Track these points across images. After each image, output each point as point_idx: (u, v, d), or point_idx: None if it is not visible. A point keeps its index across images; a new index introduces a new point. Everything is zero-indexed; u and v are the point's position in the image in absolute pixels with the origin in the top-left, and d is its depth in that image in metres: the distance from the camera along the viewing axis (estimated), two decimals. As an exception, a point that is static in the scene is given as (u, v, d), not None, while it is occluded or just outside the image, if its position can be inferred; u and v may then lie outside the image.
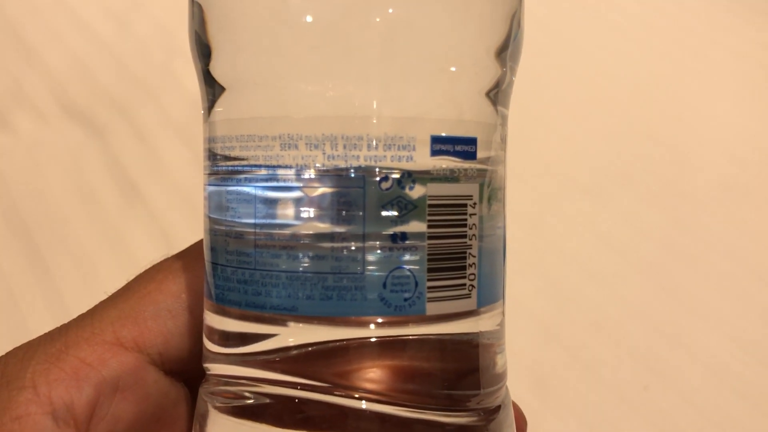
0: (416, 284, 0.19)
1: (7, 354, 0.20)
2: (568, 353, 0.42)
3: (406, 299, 0.19)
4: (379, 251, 0.18)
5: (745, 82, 0.57)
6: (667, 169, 0.51)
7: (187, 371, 0.22)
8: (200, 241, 0.25)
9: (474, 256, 0.20)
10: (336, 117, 0.18)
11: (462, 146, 0.19)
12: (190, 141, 0.45)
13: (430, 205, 0.19)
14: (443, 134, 0.19)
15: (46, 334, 0.21)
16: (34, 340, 0.21)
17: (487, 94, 0.20)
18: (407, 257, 0.19)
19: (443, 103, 0.19)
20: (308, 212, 0.19)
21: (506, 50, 0.21)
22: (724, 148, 0.53)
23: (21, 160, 0.50)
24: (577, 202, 0.49)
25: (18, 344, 0.21)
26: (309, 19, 0.19)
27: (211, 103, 0.21)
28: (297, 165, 0.18)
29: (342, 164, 0.18)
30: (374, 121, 0.18)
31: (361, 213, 0.18)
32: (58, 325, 0.21)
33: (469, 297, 0.20)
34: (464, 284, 0.20)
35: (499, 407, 0.21)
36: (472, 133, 0.20)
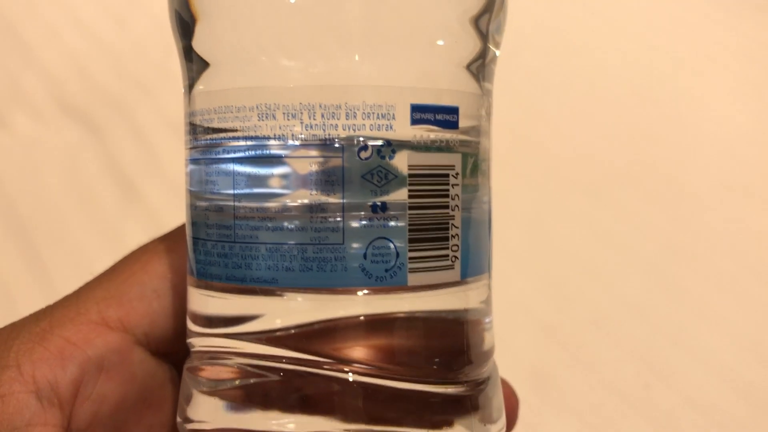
0: (397, 255, 0.19)
1: None
2: (568, 352, 0.42)
3: (387, 270, 0.18)
4: (359, 222, 0.18)
5: (746, 81, 0.56)
6: (668, 168, 0.51)
7: (173, 352, 0.22)
8: (184, 225, 0.25)
9: (457, 227, 0.20)
10: (313, 86, 0.18)
11: (443, 115, 0.19)
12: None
13: (411, 175, 0.19)
14: (423, 103, 0.19)
15: (31, 314, 0.21)
16: (19, 321, 0.20)
17: (469, 66, 0.20)
18: (388, 227, 0.18)
19: (423, 71, 0.19)
20: (287, 183, 0.18)
21: (484, 20, 0.20)
22: (724, 147, 0.53)
23: (18, 159, 0.49)
24: (577, 201, 0.49)
25: None
26: (286, -12, 0.18)
27: (192, 80, 0.21)
28: (275, 135, 0.18)
29: (320, 134, 0.18)
30: (352, 90, 0.18)
31: (340, 183, 0.18)
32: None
33: (452, 268, 0.20)
34: (447, 255, 0.19)
35: (487, 379, 0.21)
36: (454, 102, 0.19)
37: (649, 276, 0.46)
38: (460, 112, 0.20)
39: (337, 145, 0.18)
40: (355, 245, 0.18)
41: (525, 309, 0.44)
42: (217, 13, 0.20)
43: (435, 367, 0.19)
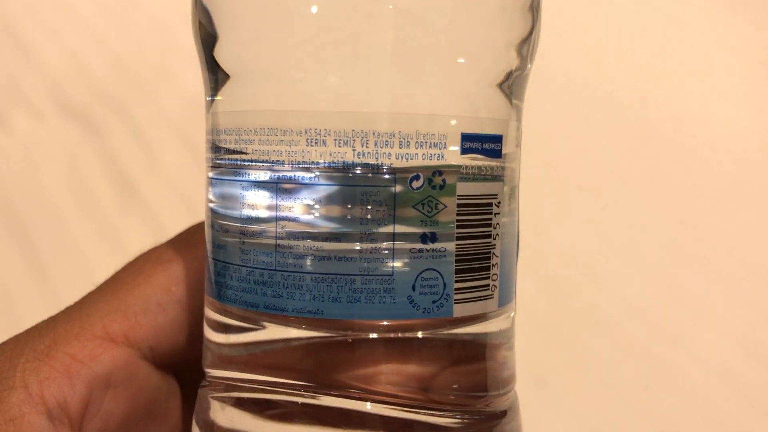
0: (444, 286, 0.18)
1: None
2: (568, 353, 0.42)
3: (434, 302, 0.18)
4: (409, 252, 0.18)
5: (746, 81, 0.57)
6: (668, 168, 0.51)
7: (176, 363, 0.22)
8: (187, 231, 0.24)
9: (497, 256, 0.20)
10: (367, 113, 0.18)
11: (489, 144, 0.19)
12: (187, 139, 0.44)
13: (459, 205, 0.18)
14: (473, 132, 0.18)
15: (32, 328, 0.20)
16: (20, 335, 0.20)
17: (506, 89, 0.20)
18: (436, 258, 0.18)
19: (472, 100, 0.19)
20: (336, 211, 0.18)
21: (527, 45, 0.20)
22: (725, 147, 0.53)
23: (18, 159, 0.49)
24: (577, 201, 0.49)
25: None
26: (333, 10, 0.18)
27: (214, 91, 0.20)
28: (325, 162, 0.18)
29: (373, 161, 0.18)
30: (406, 118, 0.18)
31: (391, 213, 0.18)
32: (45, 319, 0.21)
33: (492, 297, 0.19)
34: (488, 285, 0.19)
35: (505, 412, 0.21)
36: (499, 130, 0.19)
37: (649, 276, 0.46)
38: (503, 140, 0.19)
39: (388, 174, 0.18)
40: (404, 276, 0.18)
41: (525, 309, 0.44)
42: (246, 28, 0.19)
43: (456, 395, 0.19)
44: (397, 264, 0.18)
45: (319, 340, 0.18)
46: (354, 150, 0.18)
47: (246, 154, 0.18)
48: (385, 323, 0.18)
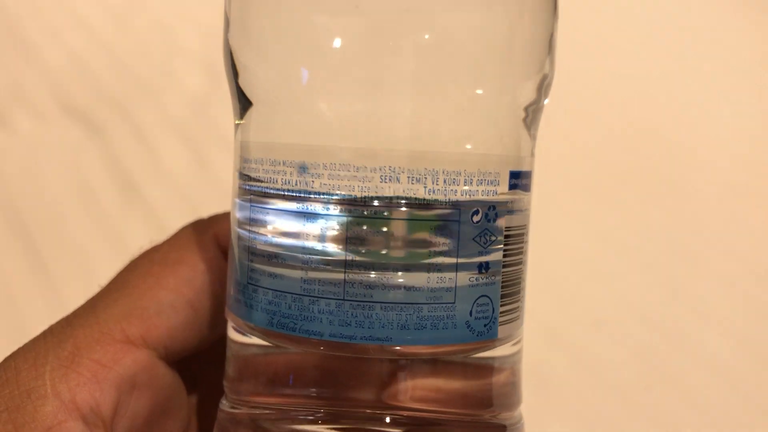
0: (492, 310, 0.20)
1: (14, 358, 0.20)
2: (569, 353, 0.42)
3: (485, 325, 0.20)
4: (468, 281, 0.19)
5: (747, 81, 0.57)
6: (669, 168, 0.51)
7: (184, 360, 0.23)
8: (186, 228, 0.25)
9: (524, 281, 0.22)
10: (438, 152, 0.19)
11: (524, 179, 0.21)
12: (189, 140, 0.41)
13: (506, 236, 0.20)
14: (517, 169, 0.20)
15: (48, 334, 0.21)
16: (38, 342, 0.20)
17: (528, 123, 0.22)
18: (489, 286, 0.20)
19: (514, 140, 0.21)
20: (403, 243, 0.19)
21: (548, 79, 0.22)
22: (725, 147, 0.53)
23: (20, 159, 0.47)
24: (578, 201, 0.49)
25: (17, 344, 0.20)
26: (402, 61, 0.19)
27: (242, 114, 0.20)
28: (397, 196, 0.19)
29: (442, 198, 0.19)
30: (471, 158, 0.19)
31: (456, 245, 0.19)
32: (58, 320, 0.21)
33: (520, 318, 0.22)
34: (519, 307, 0.21)
35: (505, 427, 0.23)
36: (531, 167, 0.21)
37: (650, 277, 0.46)
38: (531, 175, 0.21)
39: (454, 209, 0.19)
40: (464, 303, 0.19)
41: (526, 309, 0.45)
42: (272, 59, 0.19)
43: (490, 410, 0.21)
44: (459, 293, 0.19)
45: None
46: (425, 187, 0.19)
47: (311, 186, 0.19)
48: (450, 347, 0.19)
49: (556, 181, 0.50)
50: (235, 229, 0.21)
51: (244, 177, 0.21)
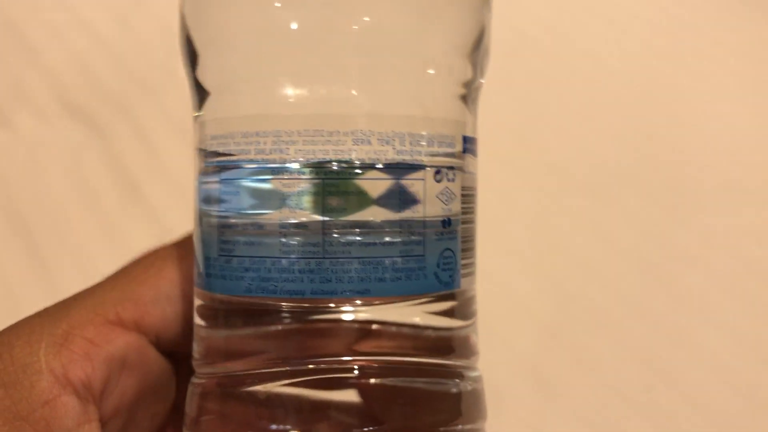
0: (455, 262, 0.22)
1: (7, 334, 0.20)
2: (570, 353, 0.42)
3: (450, 276, 0.22)
4: (434, 236, 0.21)
5: (748, 81, 0.57)
6: (670, 168, 0.51)
7: (176, 351, 0.24)
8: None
9: (475, 239, 0.24)
10: (404, 116, 0.20)
11: (472, 144, 0.23)
12: (191, 140, 0.40)
13: (463, 195, 0.22)
14: (468, 134, 0.22)
15: (44, 313, 0.21)
16: (33, 320, 0.21)
17: (466, 100, 0.24)
18: (451, 240, 0.22)
19: (462, 107, 0.23)
20: (379, 202, 0.20)
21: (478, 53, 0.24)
22: (726, 147, 0.53)
23: (21, 159, 0.47)
24: (579, 202, 0.49)
25: None
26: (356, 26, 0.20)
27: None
28: (369, 159, 0.20)
29: (408, 159, 0.21)
30: (431, 121, 0.21)
31: (423, 202, 0.21)
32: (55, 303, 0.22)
33: (474, 274, 0.23)
34: (473, 263, 0.23)
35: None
36: (476, 134, 0.23)
37: (650, 276, 0.46)
38: (476, 142, 0.24)
39: (421, 169, 0.21)
40: (432, 256, 0.21)
41: (526, 309, 0.43)
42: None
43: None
44: (427, 246, 0.21)
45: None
46: (394, 148, 0.20)
47: (287, 154, 0.20)
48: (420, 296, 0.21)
49: (558, 181, 0.50)
50: (201, 208, 0.22)
51: (212, 154, 0.21)
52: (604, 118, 0.54)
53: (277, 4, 0.21)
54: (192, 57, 0.23)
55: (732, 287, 0.46)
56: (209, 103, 0.22)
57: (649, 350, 0.43)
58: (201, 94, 0.23)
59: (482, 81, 0.24)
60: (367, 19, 0.21)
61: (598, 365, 0.42)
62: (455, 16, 0.23)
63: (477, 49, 0.23)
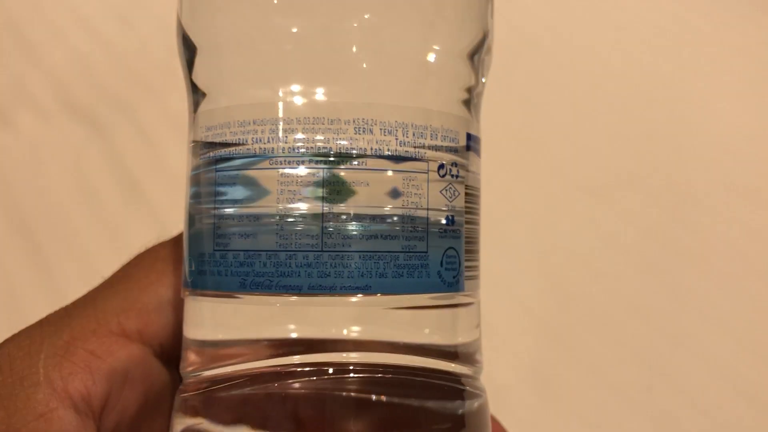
0: (459, 263, 0.21)
1: (7, 345, 0.20)
2: (571, 353, 0.42)
3: (454, 277, 0.21)
4: (438, 232, 0.20)
5: (749, 81, 0.57)
6: (671, 169, 0.51)
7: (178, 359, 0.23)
8: None
9: (479, 243, 0.23)
10: (407, 107, 0.20)
11: (476, 144, 0.22)
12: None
13: (466, 194, 0.21)
14: (471, 132, 0.22)
15: (45, 322, 0.21)
16: (34, 330, 0.20)
17: (468, 104, 0.23)
18: (454, 239, 0.21)
19: (467, 105, 0.22)
20: (380, 194, 0.19)
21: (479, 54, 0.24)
22: (727, 148, 0.53)
23: (23, 158, 0.48)
24: (581, 202, 0.49)
25: None
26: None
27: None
28: (371, 148, 0.19)
29: (411, 150, 0.20)
30: (434, 114, 0.20)
31: (426, 197, 0.20)
32: (56, 310, 0.21)
33: (478, 279, 0.22)
34: (477, 267, 0.22)
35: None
36: (479, 133, 0.23)
37: (651, 277, 0.46)
38: (480, 142, 0.23)
39: (424, 161, 0.20)
40: (435, 254, 0.20)
41: (527, 309, 0.43)
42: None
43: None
44: (431, 243, 0.20)
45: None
46: (397, 139, 0.20)
47: (286, 143, 0.19)
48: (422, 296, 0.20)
49: (559, 182, 0.50)
50: (195, 203, 0.21)
51: (208, 145, 0.21)
52: (605, 119, 0.54)
53: (276, 2, 0.20)
54: (189, 58, 0.22)
55: (732, 287, 0.46)
56: (205, 102, 0.22)
57: (649, 350, 0.43)
58: (197, 95, 0.22)
59: (484, 81, 0.24)
60: (367, 16, 0.20)
61: (598, 365, 0.42)
62: (458, 15, 0.22)
63: (480, 48, 0.23)
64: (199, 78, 0.22)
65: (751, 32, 0.61)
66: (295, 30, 0.20)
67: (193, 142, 0.21)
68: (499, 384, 0.38)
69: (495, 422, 0.25)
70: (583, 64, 0.57)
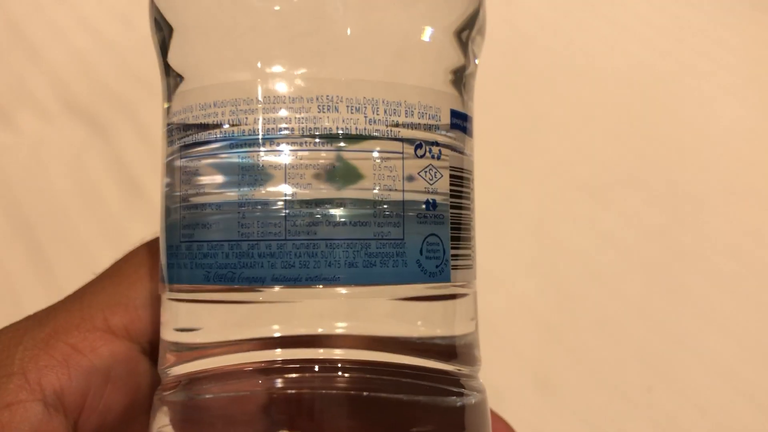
0: (444, 252, 0.19)
1: None
2: (571, 354, 0.42)
3: (437, 266, 0.19)
4: (416, 218, 0.18)
5: (748, 82, 0.57)
6: (671, 169, 0.51)
7: None
8: None
9: (473, 229, 0.21)
10: (378, 82, 0.18)
11: (464, 122, 0.20)
12: None
13: (451, 176, 0.19)
14: (457, 109, 0.20)
15: (32, 317, 0.20)
16: (20, 323, 0.20)
17: (458, 84, 0.22)
18: (437, 225, 0.19)
19: (451, 79, 0.20)
20: (349, 177, 0.18)
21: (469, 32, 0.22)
22: (727, 148, 0.53)
23: (24, 158, 0.49)
24: (581, 203, 0.49)
25: None
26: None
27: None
28: (337, 127, 0.18)
29: (382, 129, 0.18)
30: (409, 89, 0.19)
31: (401, 179, 0.18)
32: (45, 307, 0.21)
33: (472, 268, 0.21)
34: (471, 255, 0.20)
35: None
36: (468, 111, 0.21)
37: (652, 278, 0.46)
38: (472, 121, 0.21)
39: (398, 141, 0.18)
40: (413, 241, 0.18)
41: (528, 310, 0.43)
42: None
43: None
44: (407, 229, 0.18)
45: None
46: (366, 117, 0.18)
47: (246, 125, 0.18)
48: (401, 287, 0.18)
49: (560, 181, 0.50)
50: (168, 193, 0.20)
51: (178, 129, 0.20)
52: (605, 119, 0.54)
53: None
54: (163, 39, 0.21)
55: (732, 287, 0.46)
56: (182, 85, 0.21)
57: (649, 351, 0.42)
58: (172, 78, 0.21)
59: (477, 62, 0.22)
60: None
61: (599, 365, 0.42)
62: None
63: (469, 26, 0.21)
64: (174, 60, 0.21)
65: (751, 32, 0.61)
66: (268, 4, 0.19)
67: (166, 129, 0.20)
68: (499, 384, 0.37)
69: (502, 422, 0.23)
70: (583, 64, 0.57)
